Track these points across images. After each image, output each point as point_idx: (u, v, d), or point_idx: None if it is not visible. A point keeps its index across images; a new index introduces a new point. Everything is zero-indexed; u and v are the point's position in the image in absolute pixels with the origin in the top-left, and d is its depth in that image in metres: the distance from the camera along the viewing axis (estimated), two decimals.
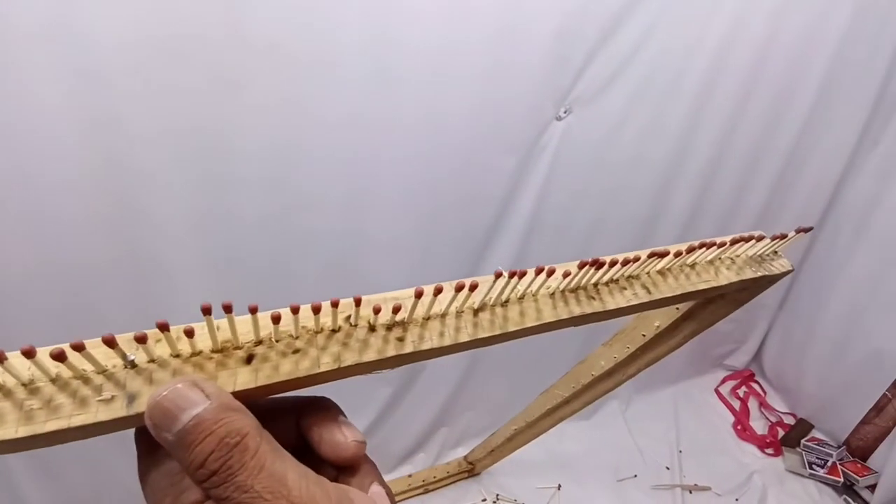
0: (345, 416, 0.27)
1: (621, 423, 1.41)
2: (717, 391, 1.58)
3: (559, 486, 1.23)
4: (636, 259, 0.32)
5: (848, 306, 1.30)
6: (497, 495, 1.20)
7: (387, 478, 1.27)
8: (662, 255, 0.33)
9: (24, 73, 0.58)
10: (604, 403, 1.44)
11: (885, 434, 1.27)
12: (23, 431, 0.20)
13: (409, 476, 1.20)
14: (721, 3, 0.90)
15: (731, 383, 1.60)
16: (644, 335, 0.53)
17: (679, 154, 1.04)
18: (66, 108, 0.61)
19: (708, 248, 0.35)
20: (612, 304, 0.33)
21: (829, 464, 1.31)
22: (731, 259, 0.38)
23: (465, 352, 0.30)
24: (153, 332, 0.23)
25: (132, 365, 0.22)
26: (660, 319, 0.51)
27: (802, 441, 1.37)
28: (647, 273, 0.35)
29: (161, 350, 0.23)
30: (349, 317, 0.27)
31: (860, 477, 1.26)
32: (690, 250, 0.34)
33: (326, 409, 0.27)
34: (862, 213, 1.26)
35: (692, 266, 0.36)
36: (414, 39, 0.70)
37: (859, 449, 1.33)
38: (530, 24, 0.77)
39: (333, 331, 0.27)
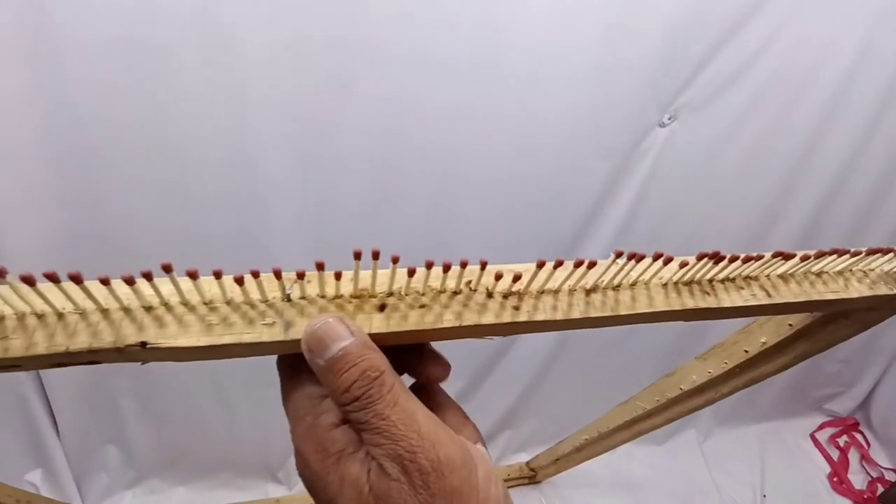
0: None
1: (697, 455, 1.32)
2: (812, 437, 1.43)
3: None
4: (758, 258, 0.31)
5: None
6: None
7: None
8: (788, 256, 0.32)
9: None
10: (679, 430, 1.35)
11: None
12: (203, 341, 0.24)
13: None
14: None
15: (829, 430, 1.45)
16: (746, 351, 0.51)
17: (797, 169, 0.96)
18: (203, 111, 0.70)
19: (840, 256, 0.33)
20: (727, 301, 0.32)
21: None
22: (864, 272, 0.35)
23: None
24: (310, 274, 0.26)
25: (288, 298, 0.26)
26: (767, 335, 0.48)
27: None
28: (767, 276, 0.34)
29: (310, 290, 0.26)
30: (470, 282, 0.29)
31: None
32: (819, 255, 0.32)
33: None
34: None
35: (818, 274, 0.34)
36: (522, 37, 0.72)
37: None
38: (641, 24, 0.75)
39: (455, 293, 0.29)
